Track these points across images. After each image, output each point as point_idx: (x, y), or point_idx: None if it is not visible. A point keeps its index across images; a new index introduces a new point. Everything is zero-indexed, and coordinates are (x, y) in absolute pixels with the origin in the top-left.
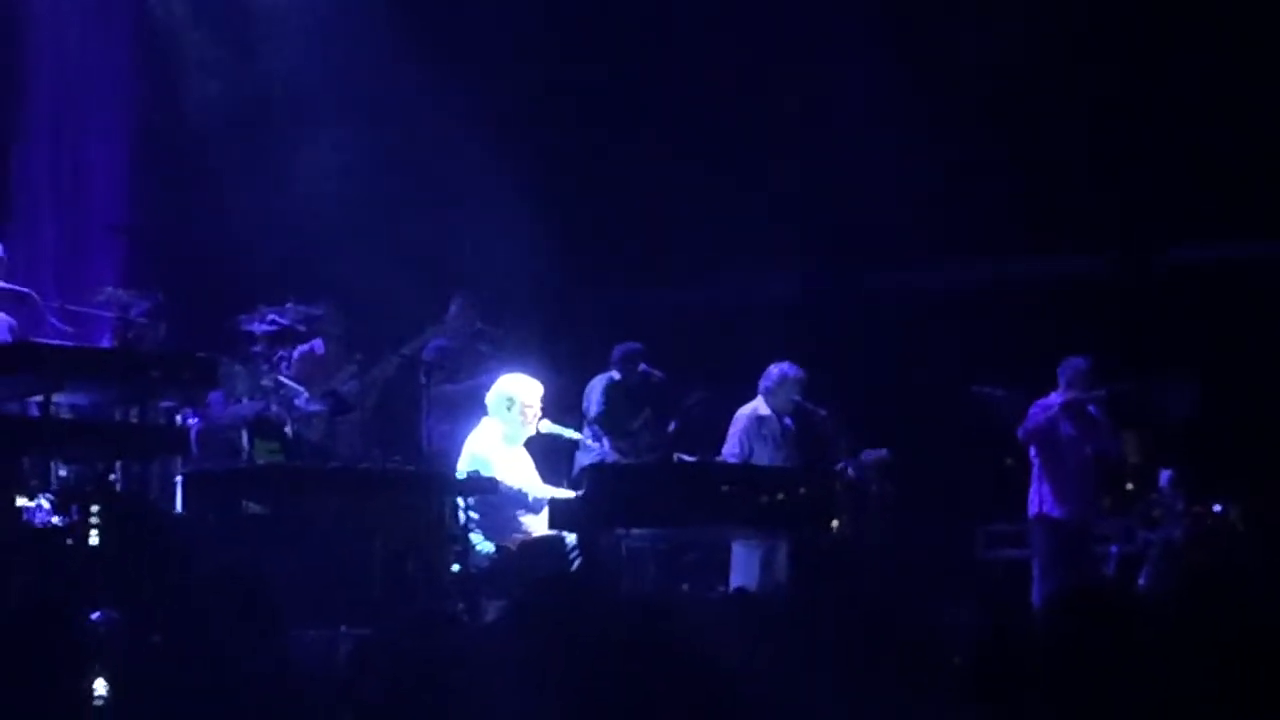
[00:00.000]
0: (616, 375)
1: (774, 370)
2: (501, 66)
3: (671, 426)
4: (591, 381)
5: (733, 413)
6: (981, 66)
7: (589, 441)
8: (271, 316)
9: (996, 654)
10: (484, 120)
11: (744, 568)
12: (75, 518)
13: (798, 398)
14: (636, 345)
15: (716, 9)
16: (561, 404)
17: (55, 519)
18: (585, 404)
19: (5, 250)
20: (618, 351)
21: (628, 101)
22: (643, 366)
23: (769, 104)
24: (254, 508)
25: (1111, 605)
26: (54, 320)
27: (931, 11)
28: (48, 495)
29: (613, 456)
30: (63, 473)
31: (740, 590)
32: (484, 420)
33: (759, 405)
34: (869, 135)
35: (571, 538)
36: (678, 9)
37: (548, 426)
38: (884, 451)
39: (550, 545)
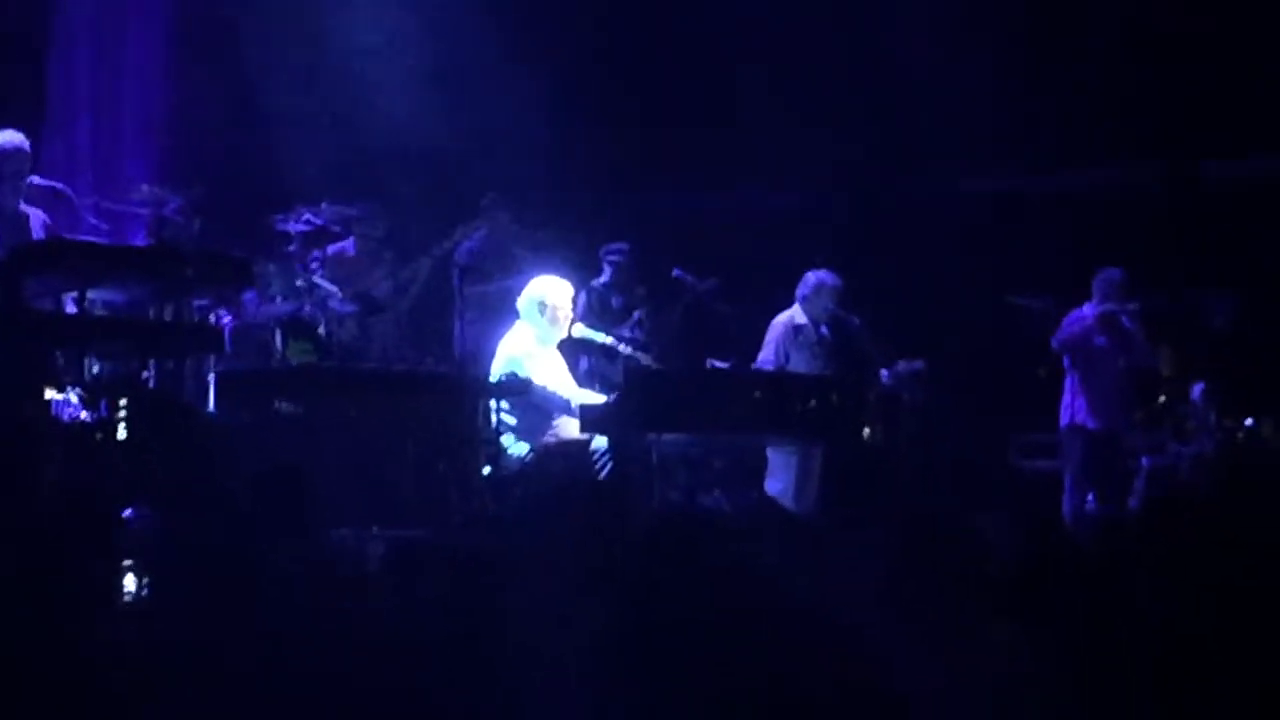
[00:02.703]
0: (601, 277)
1: (810, 277)
2: None
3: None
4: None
5: (760, 317)
6: None
7: (620, 348)
8: (306, 216)
9: (1035, 567)
10: (518, 20)
11: (780, 473)
12: (104, 413)
13: (833, 306)
14: (621, 244)
15: None
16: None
17: (84, 413)
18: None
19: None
20: (601, 251)
21: (666, 3)
22: (676, 271)
23: (807, 9)
24: (287, 407)
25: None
26: (89, 217)
27: None
28: (77, 390)
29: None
30: (95, 369)
31: (771, 499)
32: (516, 323)
33: (795, 313)
34: (909, 43)
35: (602, 441)
36: None
37: (580, 331)
38: (919, 363)
39: (582, 449)
